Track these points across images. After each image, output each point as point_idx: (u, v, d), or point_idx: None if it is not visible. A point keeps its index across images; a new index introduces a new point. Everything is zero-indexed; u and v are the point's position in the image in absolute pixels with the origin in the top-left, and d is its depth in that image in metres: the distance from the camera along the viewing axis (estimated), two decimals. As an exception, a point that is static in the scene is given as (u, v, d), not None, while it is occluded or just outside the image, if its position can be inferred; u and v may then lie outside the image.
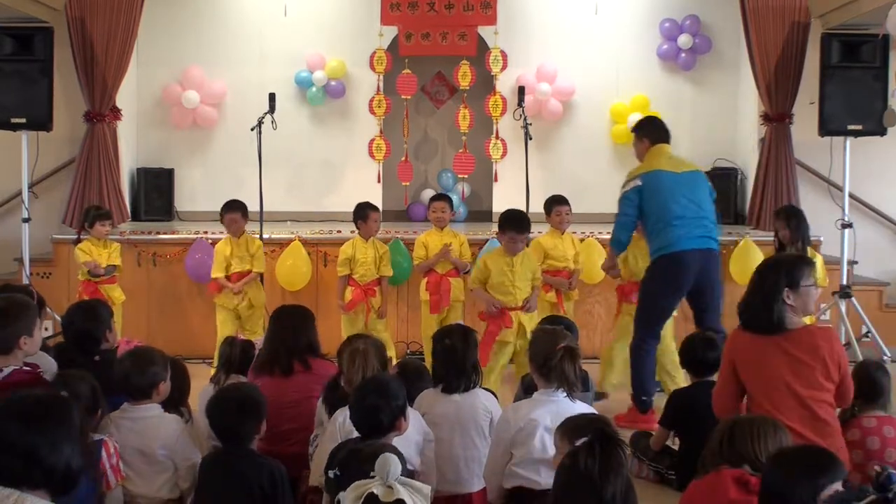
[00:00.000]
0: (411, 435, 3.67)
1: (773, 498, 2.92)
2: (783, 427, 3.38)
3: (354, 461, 2.92)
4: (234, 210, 7.07)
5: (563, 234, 7.09)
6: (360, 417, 3.46)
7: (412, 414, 3.80)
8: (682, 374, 6.97)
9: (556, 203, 7.09)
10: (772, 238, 7.16)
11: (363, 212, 7.05)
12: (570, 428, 3.22)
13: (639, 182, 5.87)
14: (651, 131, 6.18)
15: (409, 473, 3.04)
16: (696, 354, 4.98)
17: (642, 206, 5.87)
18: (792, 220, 6.82)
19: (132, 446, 3.87)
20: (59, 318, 7.14)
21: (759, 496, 3.00)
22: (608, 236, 7.41)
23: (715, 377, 4.58)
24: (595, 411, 3.93)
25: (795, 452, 3.07)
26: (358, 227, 7.06)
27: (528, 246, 6.44)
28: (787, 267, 3.99)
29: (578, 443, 2.83)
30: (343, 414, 3.77)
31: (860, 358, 7.40)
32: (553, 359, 3.85)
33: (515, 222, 6.17)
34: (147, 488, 3.88)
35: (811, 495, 2.85)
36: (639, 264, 6.83)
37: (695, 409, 4.68)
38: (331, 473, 2.89)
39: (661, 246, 5.82)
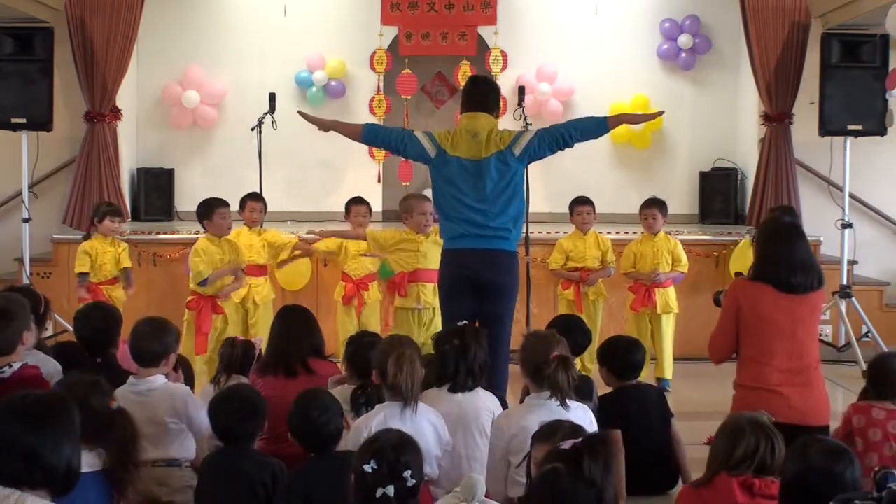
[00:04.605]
0: (431, 449, 3.67)
1: (803, 488, 2.95)
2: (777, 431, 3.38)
3: (391, 451, 2.91)
4: (257, 199, 7.21)
5: (585, 234, 7.13)
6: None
7: (435, 426, 3.84)
8: (671, 367, 7.06)
9: (576, 203, 7.22)
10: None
11: (347, 206, 7.26)
12: (558, 439, 3.20)
13: (432, 154, 5.28)
14: (462, 100, 5.47)
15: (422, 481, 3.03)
16: (622, 357, 4.76)
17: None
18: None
19: (141, 417, 3.96)
20: (59, 318, 7.15)
21: (781, 489, 3.03)
22: (609, 235, 7.50)
23: (635, 381, 4.79)
24: (592, 417, 3.91)
25: (822, 443, 3.08)
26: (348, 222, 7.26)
27: None
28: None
29: (566, 445, 2.82)
30: (373, 422, 3.75)
31: (860, 358, 7.41)
32: (547, 368, 3.81)
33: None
34: (159, 454, 4.04)
35: (840, 486, 2.88)
36: (647, 264, 6.93)
37: (624, 415, 4.45)
38: (367, 468, 2.88)
39: (441, 234, 5.50)
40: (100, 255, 7.04)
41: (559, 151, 5.34)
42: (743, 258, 7.81)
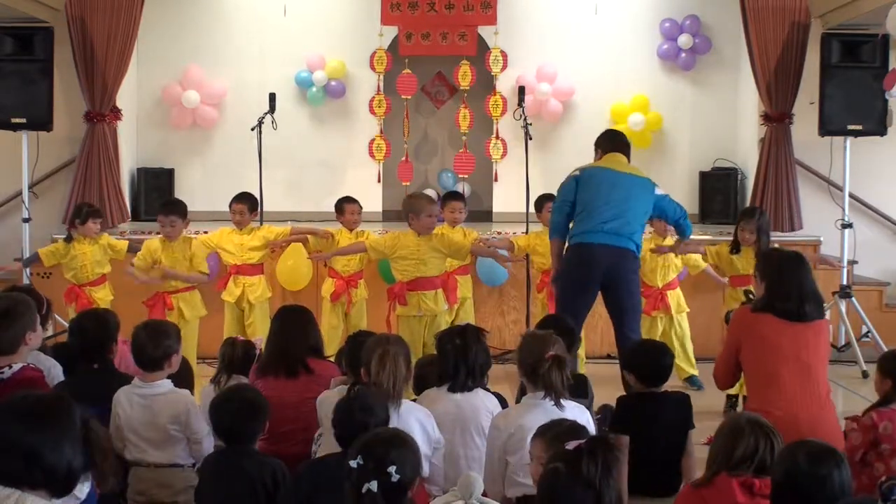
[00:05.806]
0: (420, 447, 3.66)
1: (792, 491, 2.95)
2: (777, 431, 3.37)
3: (379, 447, 2.89)
4: (239, 201, 7.16)
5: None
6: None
7: (424, 425, 3.83)
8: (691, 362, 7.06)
9: (546, 200, 7.15)
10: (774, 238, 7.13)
11: (339, 205, 7.31)
12: (552, 435, 3.20)
13: (577, 173, 6.11)
14: (602, 142, 6.36)
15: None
16: (651, 362, 4.49)
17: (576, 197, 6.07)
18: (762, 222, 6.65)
19: (144, 420, 4.04)
20: (59, 318, 7.13)
21: (772, 492, 3.02)
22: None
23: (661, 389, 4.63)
24: (589, 417, 3.91)
25: (809, 446, 3.06)
26: (339, 221, 7.31)
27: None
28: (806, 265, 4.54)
29: (571, 446, 2.81)
30: None
31: (860, 358, 7.42)
32: (541, 368, 3.82)
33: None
34: (162, 457, 4.05)
35: (829, 488, 2.89)
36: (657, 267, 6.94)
37: (635, 421, 4.25)
38: (353, 463, 2.84)
39: (572, 234, 6.07)
40: (79, 258, 6.92)
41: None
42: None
